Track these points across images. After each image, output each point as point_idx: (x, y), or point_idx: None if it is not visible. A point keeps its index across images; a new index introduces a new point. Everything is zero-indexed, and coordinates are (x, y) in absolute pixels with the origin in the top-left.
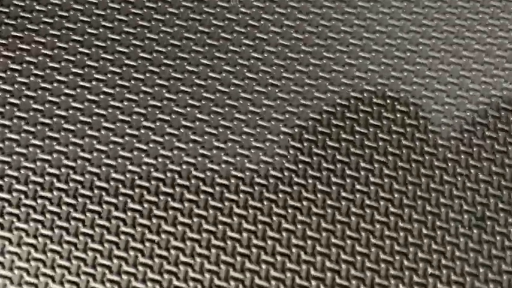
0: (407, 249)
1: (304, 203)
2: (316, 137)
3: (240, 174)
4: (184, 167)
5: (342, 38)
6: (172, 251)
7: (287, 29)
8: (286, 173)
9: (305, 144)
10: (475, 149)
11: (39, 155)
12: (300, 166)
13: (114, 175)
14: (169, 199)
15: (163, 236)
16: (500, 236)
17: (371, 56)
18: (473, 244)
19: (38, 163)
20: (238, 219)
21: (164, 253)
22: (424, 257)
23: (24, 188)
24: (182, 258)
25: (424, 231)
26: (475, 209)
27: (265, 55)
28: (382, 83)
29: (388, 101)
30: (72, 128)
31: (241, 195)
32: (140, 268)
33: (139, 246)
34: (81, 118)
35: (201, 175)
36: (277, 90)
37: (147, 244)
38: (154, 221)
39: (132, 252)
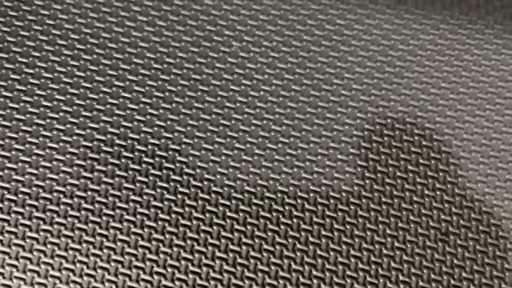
0: (382, 260)
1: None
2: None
3: (239, 196)
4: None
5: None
6: (183, 261)
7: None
8: (280, 195)
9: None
10: (440, 174)
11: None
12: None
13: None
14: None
15: (174, 249)
16: (461, 248)
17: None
18: (438, 255)
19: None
20: (238, 234)
21: (176, 263)
22: (395, 266)
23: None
24: (191, 267)
25: (396, 244)
26: (440, 226)
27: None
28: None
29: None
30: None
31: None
32: (156, 277)
33: (153, 261)
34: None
35: (206, 197)
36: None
37: (162, 257)
38: (165, 238)
39: (146, 265)
